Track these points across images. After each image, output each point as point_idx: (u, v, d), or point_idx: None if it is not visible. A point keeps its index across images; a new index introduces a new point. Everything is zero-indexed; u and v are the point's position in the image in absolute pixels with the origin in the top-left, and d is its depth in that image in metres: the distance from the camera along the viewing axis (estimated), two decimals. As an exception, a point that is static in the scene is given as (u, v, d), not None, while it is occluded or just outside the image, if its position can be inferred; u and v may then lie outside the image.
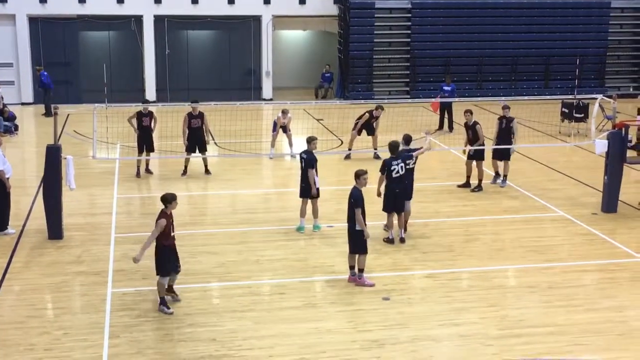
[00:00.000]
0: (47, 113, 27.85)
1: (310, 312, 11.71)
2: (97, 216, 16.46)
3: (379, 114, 21.53)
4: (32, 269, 13.35)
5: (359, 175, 12.65)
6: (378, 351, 10.49)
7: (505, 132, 18.48)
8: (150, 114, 19.60)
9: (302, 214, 15.32)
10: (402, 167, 14.43)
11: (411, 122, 24.00)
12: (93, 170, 19.96)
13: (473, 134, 18.14)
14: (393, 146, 14.66)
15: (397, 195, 14.48)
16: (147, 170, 19.91)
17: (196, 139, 19.41)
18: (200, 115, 19.38)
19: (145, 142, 19.59)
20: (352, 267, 12.74)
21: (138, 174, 19.60)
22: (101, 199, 17.79)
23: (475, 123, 18.11)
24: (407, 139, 15.40)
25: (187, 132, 19.31)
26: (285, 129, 21.72)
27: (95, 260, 13.74)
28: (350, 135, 21.76)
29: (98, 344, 10.61)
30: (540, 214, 16.70)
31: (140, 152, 19.66)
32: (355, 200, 12.37)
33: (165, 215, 11.48)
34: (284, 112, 21.65)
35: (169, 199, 11.57)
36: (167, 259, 11.54)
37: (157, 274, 11.61)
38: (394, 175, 14.41)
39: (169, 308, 11.55)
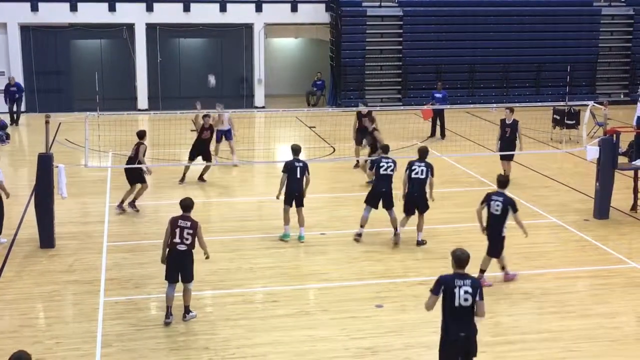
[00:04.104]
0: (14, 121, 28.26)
1: (303, 319, 11.70)
2: (89, 225, 16.41)
3: (364, 112, 20.46)
4: (24, 278, 13.29)
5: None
6: (371, 359, 10.50)
7: (511, 132, 19.15)
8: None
9: (286, 221, 15.24)
10: (422, 170, 14.61)
11: (403, 129, 24.02)
12: (85, 179, 19.90)
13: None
14: (421, 150, 14.91)
15: (415, 199, 14.74)
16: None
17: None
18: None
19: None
20: (482, 271, 12.76)
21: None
22: (93, 207, 17.74)
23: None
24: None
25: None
26: (227, 136, 21.57)
27: (87, 269, 13.70)
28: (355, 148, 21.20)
29: (91, 353, 10.58)
30: (532, 220, 16.69)
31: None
32: (514, 205, 12.66)
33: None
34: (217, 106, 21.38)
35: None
36: None
37: (191, 280, 11.63)
38: (413, 175, 14.62)
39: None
